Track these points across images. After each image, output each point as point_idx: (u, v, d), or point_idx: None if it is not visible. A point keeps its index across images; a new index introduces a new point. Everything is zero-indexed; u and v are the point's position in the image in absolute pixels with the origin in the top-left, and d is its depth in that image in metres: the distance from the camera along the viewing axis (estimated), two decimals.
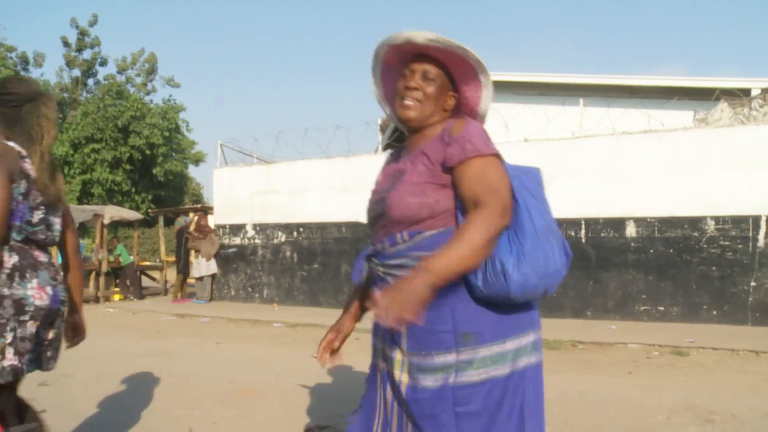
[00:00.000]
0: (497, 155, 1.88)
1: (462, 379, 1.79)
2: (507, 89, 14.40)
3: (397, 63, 2.03)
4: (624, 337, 8.25)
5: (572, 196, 10.36)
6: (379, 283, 1.97)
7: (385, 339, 1.97)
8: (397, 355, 1.90)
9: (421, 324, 1.62)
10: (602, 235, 10.29)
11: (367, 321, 1.99)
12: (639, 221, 10.06)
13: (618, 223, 10.20)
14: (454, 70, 1.99)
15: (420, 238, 1.86)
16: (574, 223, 10.41)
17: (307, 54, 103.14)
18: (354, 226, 12.18)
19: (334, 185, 12.52)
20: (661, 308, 9.78)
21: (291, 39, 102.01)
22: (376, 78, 2.13)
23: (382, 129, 15.67)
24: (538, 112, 11.55)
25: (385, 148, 13.46)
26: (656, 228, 9.94)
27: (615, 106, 11.25)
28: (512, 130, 11.35)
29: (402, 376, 1.87)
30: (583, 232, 10.41)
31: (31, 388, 5.39)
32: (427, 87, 1.94)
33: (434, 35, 1.87)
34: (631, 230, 10.13)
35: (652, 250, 9.94)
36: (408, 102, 1.94)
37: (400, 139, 11.70)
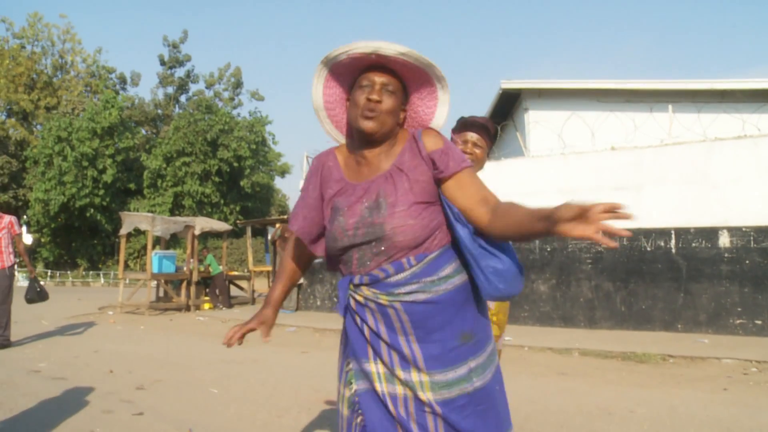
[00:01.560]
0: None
1: (478, 384, 1.89)
2: (592, 97, 14.15)
3: (347, 72, 1.99)
4: (718, 351, 7.97)
5: (661, 205, 10.12)
6: (378, 311, 1.90)
7: (389, 362, 1.90)
8: (415, 377, 1.87)
9: None
10: (693, 245, 9.97)
11: None
12: (733, 231, 9.71)
13: (710, 233, 9.87)
14: (412, 84, 2.00)
15: (425, 262, 1.87)
16: (663, 233, 10.14)
17: None
18: None
19: None
20: (759, 322, 9.39)
21: None
22: (318, 86, 2.06)
23: None
24: (625, 120, 11.34)
25: None
26: (752, 237, 9.57)
27: (705, 112, 10.92)
28: (598, 139, 11.17)
29: (428, 395, 1.85)
30: (672, 242, 10.12)
31: (129, 392, 5.69)
32: (388, 99, 1.91)
33: (406, 49, 1.86)
34: (724, 240, 9.78)
35: (747, 261, 9.57)
36: (370, 114, 1.89)
37: None
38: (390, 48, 1.86)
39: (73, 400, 5.35)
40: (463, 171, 1.89)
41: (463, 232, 1.88)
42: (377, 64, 1.93)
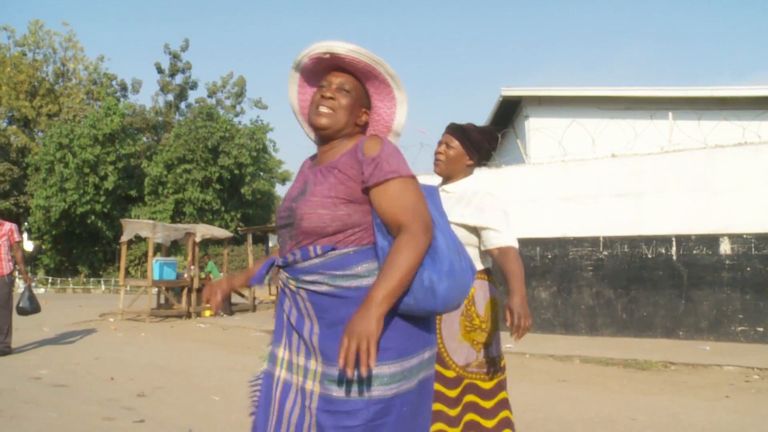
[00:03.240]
0: (414, 177, 1.91)
1: (375, 394, 1.78)
2: (593, 104, 14.19)
3: (315, 75, 2.08)
4: (719, 358, 7.97)
5: (662, 212, 10.14)
6: (290, 296, 1.95)
7: (296, 350, 1.93)
8: (312, 365, 1.88)
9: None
10: (694, 252, 9.98)
11: None
12: (734, 238, 9.71)
13: (711, 240, 9.88)
14: (370, 86, 2.04)
15: (334, 255, 1.86)
16: (664, 240, 10.14)
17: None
18: None
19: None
20: (760, 329, 9.39)
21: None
22: (292, 90, 2.15)
23: None
24: (625, 127, 11.35)
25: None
26: (753, 244, 9.58)
27: (706, 119, 10.94)
28: (599, 146, 11.19)
29: (314, 386, 1.84)
30: (674, 249, 10.12)
31: (130, 399, 5.69)
32: (342, 98, 1.97)
33: (354, 46, 1.92)
34: (725, 247, 9.79)
35: (749, 268, 9.57)
36: (322, 110, 1.95)
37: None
38: (340, 46, 1.92)
39: (75, 408, 5.35)
40: (387, 182, 1.84)
41: (381, 243, 1.86)
42: (337, 66, 2.00)
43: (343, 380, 1.79)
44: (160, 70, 40.19)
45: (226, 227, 29.56)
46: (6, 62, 40.74)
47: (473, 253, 2.99)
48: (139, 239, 18.16)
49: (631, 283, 10.37)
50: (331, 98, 1.96)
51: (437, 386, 2.74)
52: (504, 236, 2.98)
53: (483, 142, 3.14)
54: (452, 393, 2.78)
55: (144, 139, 40.07)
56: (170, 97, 40.99)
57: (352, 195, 1.88)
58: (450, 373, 2.81)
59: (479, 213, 2.96)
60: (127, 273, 15.68)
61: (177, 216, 33.05)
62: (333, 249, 1.86)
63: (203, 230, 15.88)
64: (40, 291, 31.52)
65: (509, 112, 16.04)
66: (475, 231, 2.99)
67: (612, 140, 11.31)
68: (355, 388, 1.78)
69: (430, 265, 1.81)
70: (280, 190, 41.22)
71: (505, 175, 11.76)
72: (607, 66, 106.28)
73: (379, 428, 1.77)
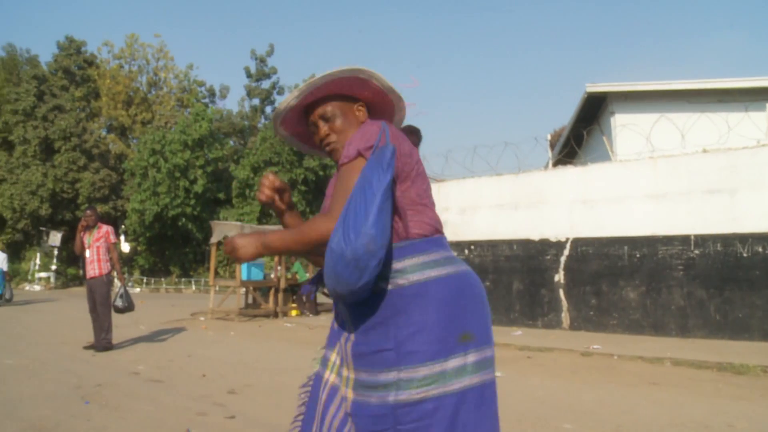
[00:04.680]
0: (359, 156, 1.85)
1: (402, 398, 1.75)
2: (682, 98, 13.74)
3: (297, 113, 2.10)
4: None
5: (758, 209, 9.73)
6: (339, 303, 1.95)
7: (340, 354, 1.95)
8: (345, 372, 1.89)
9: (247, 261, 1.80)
10: None
11: None
12: None
13: None
14: (348, 90, 2.03)
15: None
16: (761, 238, 9.72)
17: (474, 70, 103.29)
18: (525, 243, 12.10)
19: (504, 202, 12.51)
20: None
21: (455, 56, 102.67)
22: (281, 132, 2.18)
23: (552, 144, 15.43)
24: (717, 121, 10.96)
25: (555, 164, 13.26)
26: None
27: None
28: (689, 141, 10.83)
29: (347, 392, 1.86)
30: None
31: (221, 395, 5.89)
32: (334, 125, 2.00)
33: (298, 91, 1.97)
34: None
35: None
36: (329, 148, 2.02)
37: (571, 154, 11.48)
38: (291, 99, 2.00)
39: (170, 402, 5.59)
40: (342, 166, 1.88)
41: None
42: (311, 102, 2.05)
43: (371, 385, 1.79)
44: (248, 75, 41.24)
45: None
46: (106, 75, 42.78)
47: None
48: None
49: (725, 283, 9.99)
50: (327, 134, 2.01)
51: None
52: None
53: (415, 141, 3.24)
54: None
55: (231, 143, 41.19)
56: (256, 101, 41.96)
57: None
58: None
59: None
60: (217, 273, 16.17)
61: (263, 218, 33.81)
62: None
63: None
64: (135, 291, 32.90)
65: (594, 108, 15.70)
66: None
67: (703, 135, 10.92)
68: (381, 393, 1.77)
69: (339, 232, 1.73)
70: None
71: (590, 173, 11.54)
72: (696, 58, 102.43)
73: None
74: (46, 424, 4.78)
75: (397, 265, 1.82)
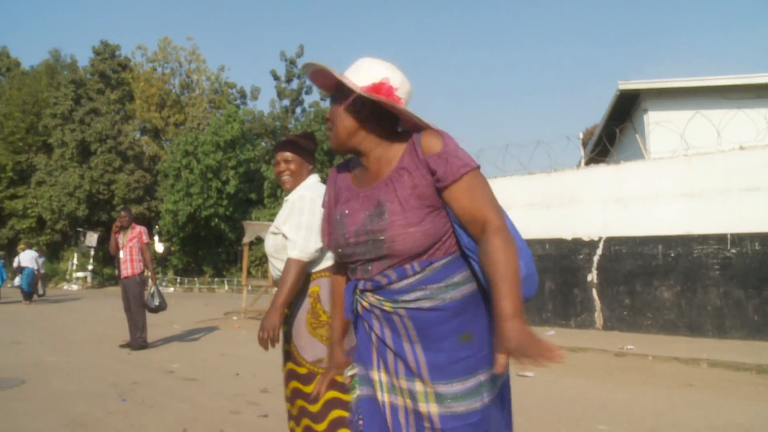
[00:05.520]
0: (479, 166, 1.83)
1: (487, 400, 1.81)
2: (717, 94, 13.54)
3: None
4: None
5: None
6: (383, 318, 1.90)
7: (394, 372, 1.89)
8: (418, 387, 1.84)
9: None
10: None
11: None
12: None
13: None
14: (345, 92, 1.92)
15: (431, 269, 1.82)
16: None
17: (506, 68, 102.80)
18: (558, 242, 12.02)
19: (536, 201, 12.44)
20: None
21: (487, 54, 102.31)
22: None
23: (584, 143, 15.29)
24: (755, 117, 10.79)
25: (587, 163, 13.14)
26: None
27: None
28: (725, 138, 10.67)
29: (431, 407, 1.81)
30: None
31: (254, 394, 5.95)
32: (335, 119, 1.94)
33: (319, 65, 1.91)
34: None
35: None
36: (330, 134, 1.98)
37: (604, 152, 11.39)
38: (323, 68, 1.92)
39: (205, 400, 5.67)
40: (460, 179, 1.77)
41: (467, 242, 1.82)
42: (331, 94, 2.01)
43: (463, 395, 1.79)
44: (275, 77, 41.51)
45: None
46: (140, 78, 43.41)
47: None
48: (259, 240, 18.77)
49: (763, 283, 9.80)
50: (328, 119, 1.99)
51: (296, 384, 2.91)
52: (290, 248, 2.92)
53: (311, 146, 3.23)
54: (308, 389, 2.84)
55: (263, 144, 41.46)
56: (286, 102, 42.22)
57: (429, 200, 1.82)
58: (302, 370, 2.89)
59: (287, 220, 3.00)
60: (249, 273, 16.31)
61: None
62: (430, 263, 1.82)
63: None
64: (169, 290, 33.32)
65: (627, 106, 15.52)
66: None
67: (740, 131, 10.76)
68: (470, 401, 1.79)
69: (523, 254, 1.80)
70: None
71: (623, 172, 11.42)
72: (733, 53, 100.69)
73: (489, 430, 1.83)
74: (85, 419, 4.89)
75: (462, 274, 1.86)
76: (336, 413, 2.82)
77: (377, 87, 1.87)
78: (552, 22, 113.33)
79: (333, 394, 2.79)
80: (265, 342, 2.79)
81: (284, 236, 2.98)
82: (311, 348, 2.88)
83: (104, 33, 64.56)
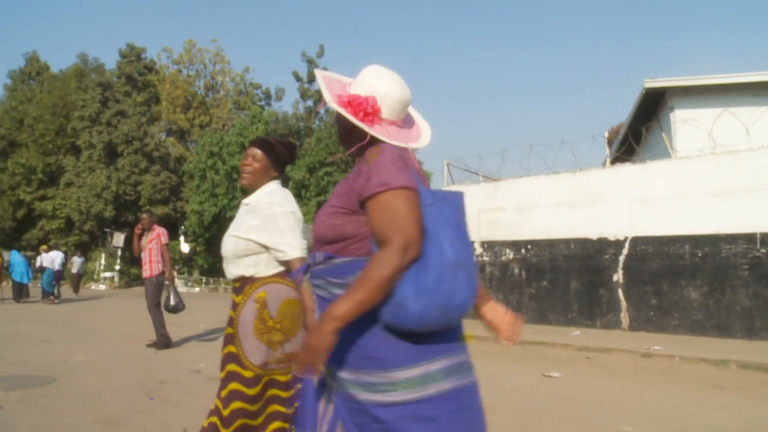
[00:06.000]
0: (407, 187, 1.80)
1: (361, 398, 1.83)
2: (746, 91, 13.36)
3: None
4: None
5: None
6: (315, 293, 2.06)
7: None
8: (332, 370, 1.94)
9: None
10: None
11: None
12: None
13: None
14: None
15: (332, 264, 1.93)
16: None
17: (530, 68, 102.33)
18: (583, 242, 11.94)
19: (561, 201, 12.37)
20: None
21: (512, 53, 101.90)
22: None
23: (610, 142, 15.17)
24: None
25: (613, 162, 13.04)
26: None
27: None
28: (754, 136, 10.53)
29: (334, 385, 1.94)
30: None
31: None
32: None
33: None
34: None
35: None
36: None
37: (629, 151, 11.31)
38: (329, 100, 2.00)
39: None
40: (373, 197, 1.81)
41: (375, 249, 1.85)
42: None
43: (346, 382, 1.88)
44: (298, 78, 41.65)
45: None
46: (165, 80, 43.86)
47: (265, 258, 3.07)
48: None
49: None
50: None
51: (236, 385, 2.94)
52: (286, 254, 2.99)
53: (286, 156, 3.27)
54: (252, 391, 2.92)
55: None
56: (310, 103, 42.36)
57: (349, 203, 1.91)
58: (248, 373, 2.94)
59: (263, 229, 3.04)
60: None
61: None
62: (331, 258, 1.93)
63: None
64: (194, 290, 33.65)
65: (653, 104, 15.36)
66: None
67: None
68: (352, 390, 1.86)
69: (409, 280, 1.75)
70: None
71: (650, 171, 11.31)
72: (760, 49, 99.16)
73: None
74: (113, 417, 4.96)
75: (350, 279, 1.89)
76: (273, 407, 2.99)
77: (351, 100, 1.98)
78: (577, 19, 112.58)
79: (272, 392, 2.99)
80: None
81: (259, 244, 3.05)
82: (258, 352, 2.95)
83: (130, 36, 65.38)
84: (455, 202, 1.97)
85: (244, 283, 3.08)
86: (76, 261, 23.97)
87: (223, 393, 2.98)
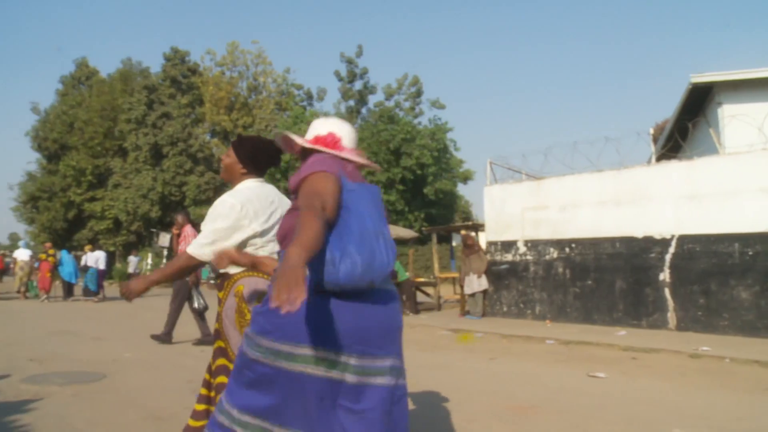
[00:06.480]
0: (325, 170, 2.31)
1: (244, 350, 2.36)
2: (759, 87, 13.03)
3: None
4: None
5: None
6: None
7: None
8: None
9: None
10: None
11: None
12: None
13: None
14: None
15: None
16: None
17: (573, 65, 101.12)
18: (629, 241, 11.77)
19: (606, 199, 12.20)
20: None
21: (554, 51, 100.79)
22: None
23: (655, 139, 14.91)
24: None
25: (659, 159, 12.82)
26: None
27: None
28: None
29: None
30: None
31: None
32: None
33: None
34: None
35: None
36: None
37: (675, 148, 11.10)
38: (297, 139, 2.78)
39: None
40: (301, 182, 2.34)
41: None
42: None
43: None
44: (339, 78, 41.82)
45: (411, 227, 30.07)
46: (209, 82, 44.49)
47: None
48: None
49: None
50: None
51: (225, 378, 3.13)
52: (193, 244, 3.18)
53: (258, 154, 3.30)
54: None
55: None
56: (351, 103, 42.49)
57: (293, 205, 2.45)
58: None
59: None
60: None
61: None
62: (282, 253, 2.29)
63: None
64: None
65: (700, 99, 15.06)
66: None
67: None
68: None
69: (335, 243, 2.15)
70: (462, 190, 41.18)
71: (697, 167, 11.08)
72: None
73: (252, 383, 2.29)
74: (162, 414, 5.08)
75: None
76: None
77: (317, 139, 2.67)
78: (622, 13, 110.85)
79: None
80: (124, 295, 3.18)
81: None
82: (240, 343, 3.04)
83: (174, 40, 66.61)
84: (374, 191, 2.51)
85: (223, 279, 3.21)
86: (132, 260, 24.57)
87: (215, 382, 3.25)
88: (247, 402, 2.27)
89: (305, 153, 2.67)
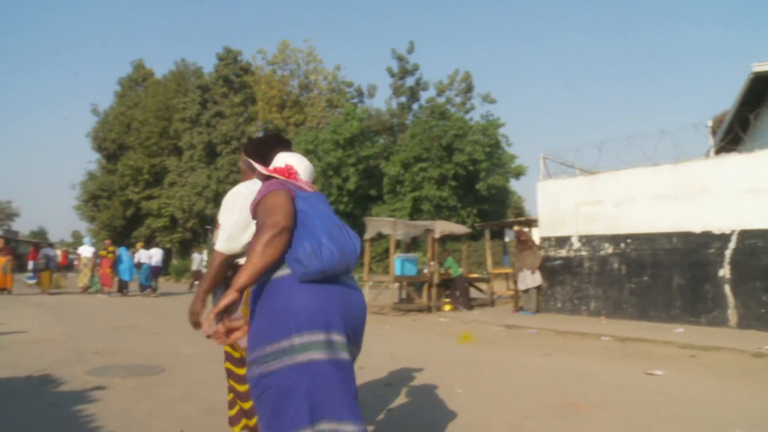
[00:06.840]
0: (277, 191, 2.68)
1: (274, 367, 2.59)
2: None
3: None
4: None
5: None
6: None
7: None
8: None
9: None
10: None
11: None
12: None
13: None
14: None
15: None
16: None
17: (628, 56, 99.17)
18: (686, 236, 11.52)
19: (662, 194, 11.96)
20: None
21: (607, 41, 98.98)
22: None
23: (713, 131, 14.53)
24: None
25: (717, 152, 12.51)
26: None
27: None
28: None
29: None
30: None
31: (378, 388, 6.07)
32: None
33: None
34: None
35: None
36: None
37: (735, 140, 10.83)
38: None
39: None
40: (256, 205, 2.73)
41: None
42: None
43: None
44: (392, 75, 41.88)
45: (463, 223, 29.96)
46: (261, 81, 45.12)
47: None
48: (380, 236, 19.06)
49: None
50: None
51: (229, 365, 3.77)
52: (217, 241, 3.46)
53: (264, 147, 3.38)
54: (241, 371, 3.52)
55: (381, 140, 41.95)
56: (403, 99, 42.51)
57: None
58: (236, 354, 3.62)
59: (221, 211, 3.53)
60: (370, 269, 16.55)
61: (415, 213, 34.20)
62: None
63: (442, 227, 16.23)
64: None
65: (762, 89, 14.61)
66: None
67: None
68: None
69: (310, 238, 2.56)
70: (515, 185, 40.75)
71: (760, 160, 10.75)
72: None
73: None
74: (220, 407, 5.18)
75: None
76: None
77: (275, 170, 2.97)
78: (679, 2, 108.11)
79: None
80: (193, 326, 3.68)
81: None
82: (246, 337, 3.13)
83: (227, 40, 67.79)
84: (323, 196, 2.92)
85: (233, 273, 3.41)
86: (196, 257, 25.12)
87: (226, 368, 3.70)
88: (288, 423, 2.51)
89: (266, 179, 2.97)
